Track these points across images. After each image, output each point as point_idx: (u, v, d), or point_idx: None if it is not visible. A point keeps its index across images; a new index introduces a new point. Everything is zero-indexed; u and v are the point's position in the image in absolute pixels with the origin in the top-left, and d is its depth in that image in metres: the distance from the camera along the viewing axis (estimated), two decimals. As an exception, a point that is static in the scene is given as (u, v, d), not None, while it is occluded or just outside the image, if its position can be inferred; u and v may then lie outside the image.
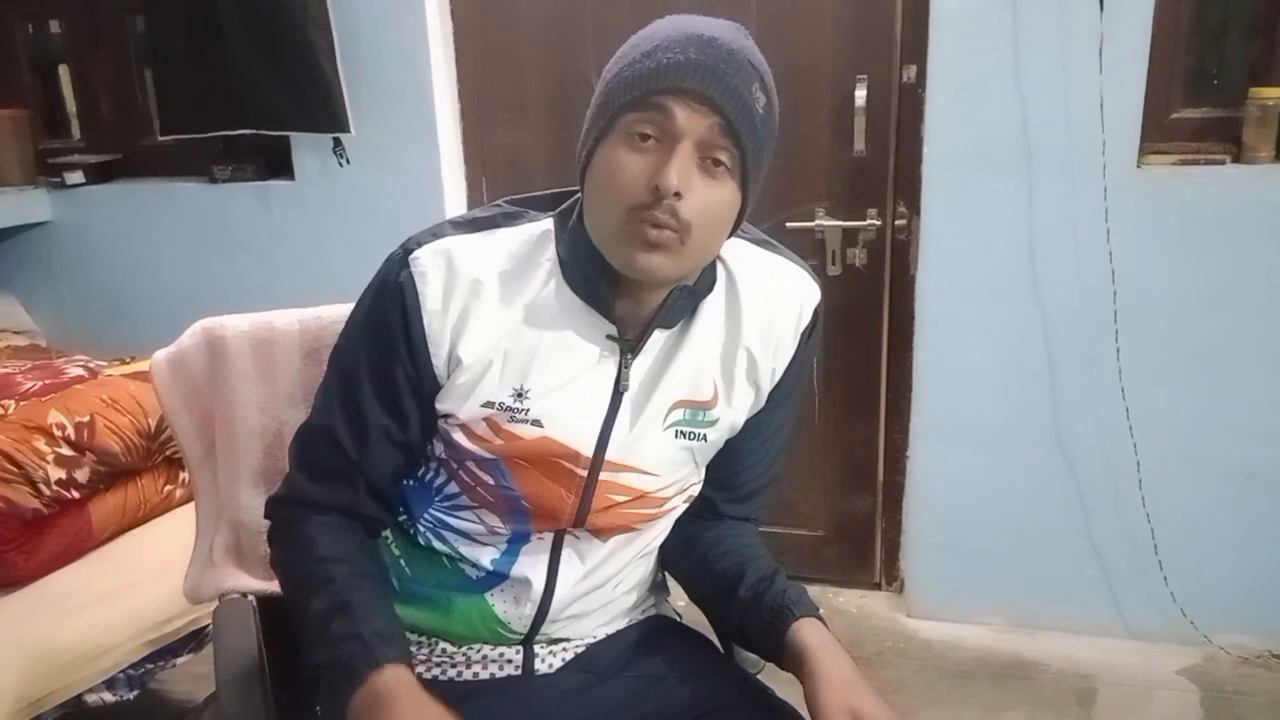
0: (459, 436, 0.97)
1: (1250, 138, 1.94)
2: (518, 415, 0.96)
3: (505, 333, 0.95)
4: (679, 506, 1.09)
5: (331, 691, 0.89)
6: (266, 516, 1.06)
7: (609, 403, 0.98)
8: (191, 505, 1.30)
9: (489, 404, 0.96)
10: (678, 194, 0.86)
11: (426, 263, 0.94)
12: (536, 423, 0.96)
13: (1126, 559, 2.15)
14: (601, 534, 1.04)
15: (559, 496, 0.99)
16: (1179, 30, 1.99)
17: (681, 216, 0.87)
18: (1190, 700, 2.02)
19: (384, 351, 0.96)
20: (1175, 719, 1.97)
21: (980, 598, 2.29)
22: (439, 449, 1.01)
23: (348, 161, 2.45)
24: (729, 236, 0.96)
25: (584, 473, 0.99)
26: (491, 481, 0.98)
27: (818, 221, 2.22)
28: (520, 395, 0.95)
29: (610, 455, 0.99)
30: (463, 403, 0.96)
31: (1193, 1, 1.99)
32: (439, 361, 0.95)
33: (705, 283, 0.99)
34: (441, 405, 0.97)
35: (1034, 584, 2.24)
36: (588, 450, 0.98)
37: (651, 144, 0.87)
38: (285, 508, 1.03)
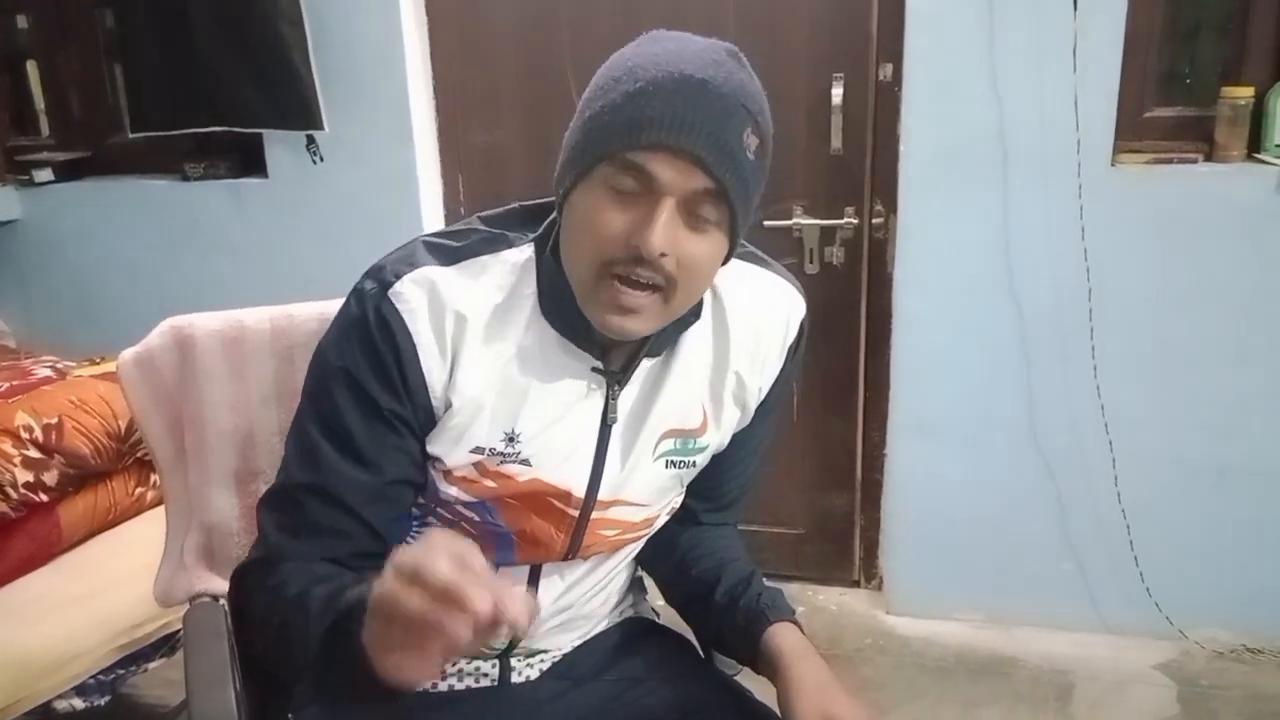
0: (442, 484, 0.93)
1: (1222, 136, 1.95)
2: (508, 459, 0.92)
3: (495, 374, 0.90)
4: (662, 522, 1.07)
5: (341, 649, 0.77)
6: (232, 588, 0.95)
7: (597, 436, 0.95)
8: (162, 508, 1.28)
9: (479, 449, 0.92)
10: (663, 254, 0.82)
11: (412, 299, 0.88)
12: (525, 462, 0.92)
13: (1102, 555, 2.17)
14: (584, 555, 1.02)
15: (549, 534, 0.96)
16: (1152, 30, 2.00)
17: (666, 272, 0.83)
18: (1166, 695, 2.04)
19: (374, 391, 0.88)
20: (1151, 713, 1.99)
21: (958, 594, 2.30)
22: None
23: (321, 159, 2.42)
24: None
25: (575, 513, 0.96)
26: (477, 518, 0.95)
27: (795, 220, 2.22)
28: (511, 440, 0.92)
29: (602, 495, 0.96)
30: (452, 448, 0.91)
31: (1165, 1, 2.00)
32: (436, 401, 0.90)
33: (692, 311, 0.95)
34: (430, 448, 0.92)
35: (1011, 580, 2.25)
36: (579, 490, 0.95)
37: (632, 194, 0.82)
38: (258, 570, 0.92)
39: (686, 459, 1.00)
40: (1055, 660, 2.15)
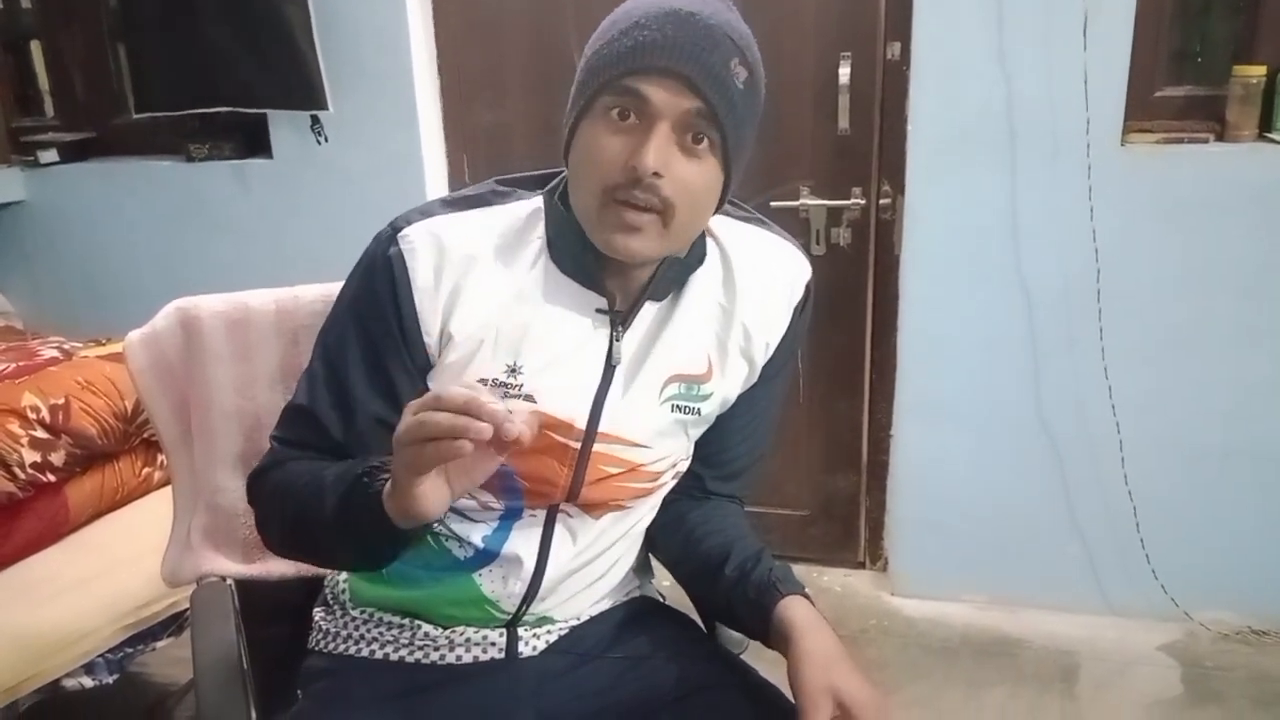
0: None
1: (1233, 116, 1.94)
2: (510, 391, 0.95)
3: (496, 310, 0.94)
4: (669, 483, 1.08)
5: (359, 508, 0.84)
6: (249, 489, 1.02)
7: (601, 376, 0.98)
8: (170, 488, 1.29)
9: (481, 381, 0.94)
10: (657, 174, 0.86)
11: (416, 240, 0.94)
12: (529, 398, 0.95)
13: (1108, 536, 2.17)
14: (593, 510, 1.03)
15: (552, 469, 0.98)
16: (1163, 8, 1.98)
17: (663, 195, 0.87)
18: (1171, 676, 2.04)
19: (373, 330, 0.95)
20: (1156, 694, 1.99)
21: (963, 576, 2.30)
22: None
23: (326, 139, 2.41)
24: (716, 211, 0.96)
25: (576, 445, 0.98)
26: None
27: (802, 201, 2.21)
28: (513, 371, 0.95)
29: (603, 427, 0.98)
30: (454, 381, 0.93)
31: (1177, -21, 1.99)
32: (430, 339, 0.94)
33: (695, 255, 1.00)
34: (432, 384, 0.96)
35: (1017, 562, 2.25)
36: (580, 422, 0.97)
37: (631, 123, 0.87)
38: (267, 471, 0.99)
39: (691, 405, 1.02)
40: (1060, 641, 2.15)
